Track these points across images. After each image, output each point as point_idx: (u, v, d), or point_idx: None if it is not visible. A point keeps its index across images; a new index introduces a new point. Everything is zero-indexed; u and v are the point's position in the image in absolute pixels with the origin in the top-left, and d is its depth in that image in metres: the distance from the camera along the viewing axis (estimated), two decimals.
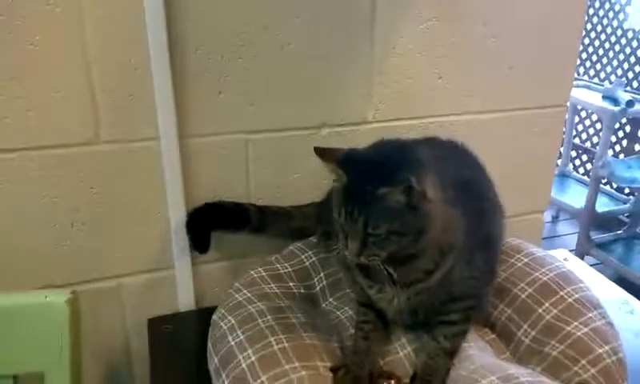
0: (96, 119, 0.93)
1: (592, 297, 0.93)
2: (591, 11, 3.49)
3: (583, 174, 3.46)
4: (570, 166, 3.53)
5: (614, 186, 3.25)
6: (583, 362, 0.80)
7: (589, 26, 3.53)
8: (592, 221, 2.90)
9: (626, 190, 3.15)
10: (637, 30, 3.20)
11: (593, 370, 0.79)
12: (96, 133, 0.94)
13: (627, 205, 3.04)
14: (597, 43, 3.49)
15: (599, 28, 3.47)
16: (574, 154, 3.61)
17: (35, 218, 0.96)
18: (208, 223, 1.01)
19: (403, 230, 0.69)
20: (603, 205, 3.02)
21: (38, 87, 0.89)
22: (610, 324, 0.89)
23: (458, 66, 1.13)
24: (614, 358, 0.81)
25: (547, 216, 3.47)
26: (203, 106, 0.98)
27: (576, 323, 0.87)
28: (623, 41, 3.30)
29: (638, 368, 0.89)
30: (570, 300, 0.92)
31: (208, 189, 1.04)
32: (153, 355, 0.94)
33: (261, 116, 1.03)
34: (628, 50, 3.27)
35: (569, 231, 3.29)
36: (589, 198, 2.87)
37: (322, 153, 0.74)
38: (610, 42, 3.40)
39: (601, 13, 3.45)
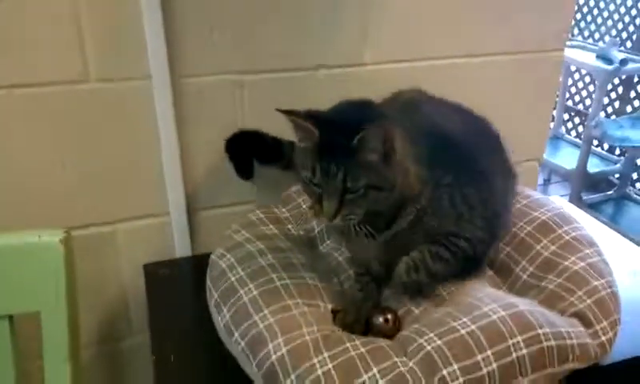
0: (84, 56, 0.90)
1: (588, 236, 0.94)
2: None
3: (576, 137, 3.47)
4: (563, 128, 3.54)
5: (606, 147, 3.28)
6: (580, 293, 0.81)
7: None
8: (583, 181, 2.93)
9: (617, 151, 3.17)
10: None
11: (589, 301, 0.80)
12: (85, 70, 0.91)
13: (618, 165, 3.07)
14: (591, 3, 3.46)
15: None
16: (566, 116, 3.62)
17: (24, 160, 0.93)
18: (246, 149, 0.98)
19: (380, 184, 0.69)
20: (594, 166, 3.05)
21: (24, 22, 0.86)
22: (605, 261, 0.90)
23: (454, 8, 1.11)
24: (609, 290, 0.82)
25: (539, 179, 3.50)
26: (196, 45, 0.96)
27: (573, 258, 0.87)
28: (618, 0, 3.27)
29: (631, 303, 0.90)
30: (567, 237, 0.92)
31: (202, 131, 1.02)
32: (150, 300, 0.94)
33: (255, 56, 1.00)
34: (622, 10, 3.25)
35: (561, 193, 3.32)
36: (581, 159, 2.89)
37: (287, 112, 0.73)
38: (604, 1, 3.37)
39: None
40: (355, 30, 1.06)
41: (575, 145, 3.24)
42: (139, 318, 1.09)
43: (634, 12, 3.17)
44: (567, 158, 3.13)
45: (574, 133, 3.60)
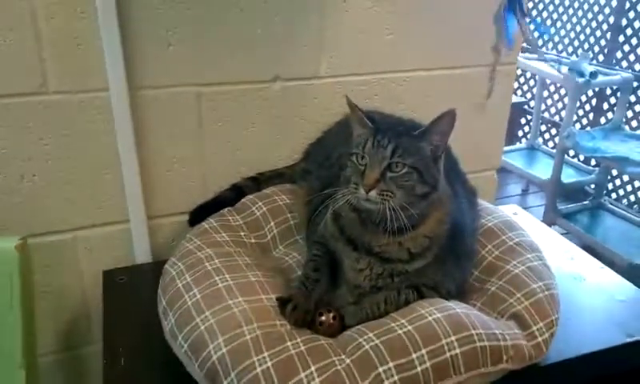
0: (43, 68, 0.93)
1: (531, 242, 0.98)
2: None
3: (552, 148, 3.53)
4: (540, 139, 3.61)
5: (581, 158, 3.34)
6: (518, 295, 0.85)
7: (557, 1, 3.59)
8: (558, 191, 2.97)
9: (592, 162, 3.23)
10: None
11: (526, 302, 0.83)
12: (44, 82, 0.94)
13: (592, 175, 3.12)
14: (564, 18, 3.55)
15: (566, 2, 3.52)
16: (543, 127, 3.69)
17: None
18: (209, 212, 1.02)
19: (424, 173, 0.75)
20: (569, 176, 3.10)
21: None
22: (546, 265, 0.93)
23: (408, 23, 1.15)
24: (547, 292, 0.86)
25: (517, 189, 3.55)
26: (153, 58, 0.99)
27: (514, 262, 0.91)
28: (589, 15, 3.35)
29: (574, 305, 0.94)
30: (510, 243, 0.96)
31: (161, 140, 1.05)
32: (106, 305, 0.95)
33: (212, 69, 1.04)
34: (594, 24, 3.33)
35: (538, 203, 3.37)
36: (555, 169, 2.94)
37: (351, 105, 0.81)
38: (577, 16, 3.46)
39: None
40: (311, 44, 1.09)
41: (551, 155, 3.29)
42: (99, 325, 1.10)
43: (605, 26, 3.26)
44: (543, 169, 3.18)
45: (550, 144, 3.67)
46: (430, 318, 0.75)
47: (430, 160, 0.78)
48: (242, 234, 0.98)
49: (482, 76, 1.26)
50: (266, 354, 0.70)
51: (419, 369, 0.70)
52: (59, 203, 1.02)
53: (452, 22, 1.19)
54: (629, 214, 2.99)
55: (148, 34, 0.97)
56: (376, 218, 0.77)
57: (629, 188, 3.19)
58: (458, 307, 0.78)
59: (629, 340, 0.87)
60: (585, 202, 3.08)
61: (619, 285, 1.03)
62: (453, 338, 0.73)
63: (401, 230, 0.77)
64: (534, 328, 0.81)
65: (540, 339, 0.80)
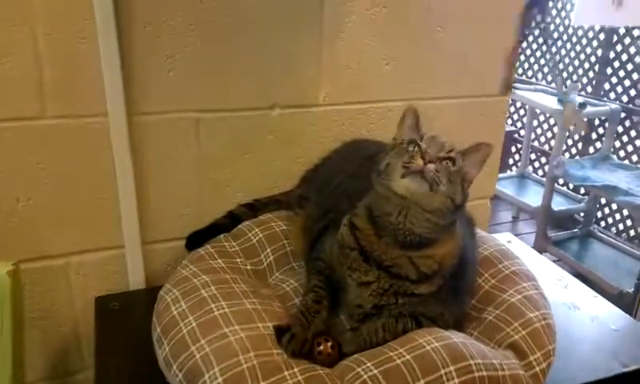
0: (41, 93, 0.93)
1: (527, 271, 0.98)
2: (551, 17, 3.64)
3: (542, 176, 3.58)
4: (530, 168, 3.66)
5: (571, 186, 3.38)
6: (515, 324, 0.84)
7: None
8: (549, 219, 3.00)
9: (582, 190, 3.28)
10: (585, 27, 3.35)
11: (523, 332, 0.83)
12: (42, 107, 0.94)
13: (582, 204, 3.16)
14: (553, 49, 3.64)
15: (555, 35, 3.62)
16: (533, 156, 3.74)
17: None
18: (205, 239, 1.02)
19: (465, 183, 0.77)
20: (559, 204, 3.14)
21: None
22: (542, 295, 0.94)
23: (405, 53, 1.17)
24: (543, 322, 0.86)
25: (508, 216, 3.58)
26: (153, 84, 0.99)
27: (511, 291, 0.91)
28: (578, 47, 3.44)
29: (568, 334, 0.94)
30: (506, 272, 0.96)
31: (158, 167, 1.04)
32: (98, 332, 0.94)
33: (211, 95, 1.04)
34: (582, 57, 3.42)
35: (528, 231, 3.40)
36: (545, 197, 2.98)
37: (411, 109, 0.84)
38: (565, 48, 3.55)
39: (557, 20, 3.60)
40: (310, 72, 1.11)
41: (541, 183, 3.34)
42: (91, 352, 1.08)
43: (593, 59, 3.34)
44: (534, 197, 3.22)
45: (540, 172, 3.72)
46: (428, 348, 0.74)
47: (465, 181, 0.79)
48: (239, 260, 0.97)
49: (477, 105, 1.28)
50: None
51: None
52: (53, 228, 1.01)
53: (449, 52, 1.21)
54: (618, 242, 3.03)
55: (148, 60, 0.98)
56: (396, 221, 0.77)
57: (617, 216, 3.23)
58: (455, 337, 0.78)
59: (624, 370, 0.87)
60: (574, 230, 3.11)
61: (613, 314, 1.03)
62: (451, 368, 0.72)
63: (414, 245, 0.78)
64: (532, 358, 0.81)
65: (537, 369, 0.80)
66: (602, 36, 3.27)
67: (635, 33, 3.05)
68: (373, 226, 0.80)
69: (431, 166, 0.74)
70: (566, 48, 3.53)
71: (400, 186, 0.75)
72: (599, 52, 3.30)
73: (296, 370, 0.72)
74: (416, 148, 0.77)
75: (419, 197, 0.75)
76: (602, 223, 3.31)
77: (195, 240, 1.02)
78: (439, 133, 0.80)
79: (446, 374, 0.72)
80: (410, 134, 0.81)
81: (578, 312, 1.03)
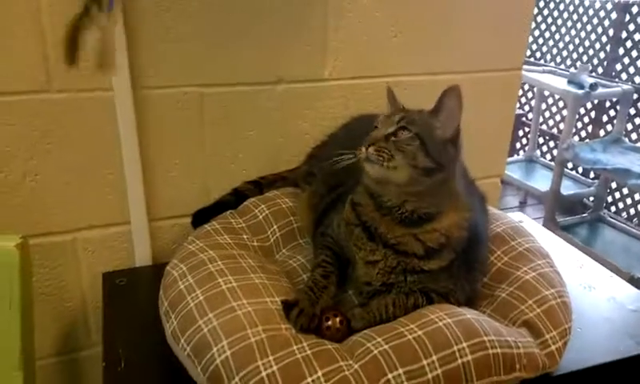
0: (47, 66, 0.91)
1: (541, 248, 0.96)
2: None
3: (550, 160, 3.54)
4: (538, 151, 3.61)
5: (580, 170, 3.34)
6: (530, 301, 0.83)
7: (555, 13, 3.61)
8: (557, 204, 2.97)
9: (591, 175, 3.23)
10: (597, 5, 3.28)
11: (538, 310, 0.81)
12: (47, 80, 0.92)
13: (591, 188, 3.12)
14: (563, 30, 3.57)
15: (565, 15, 3.55)
16: (541, 140, 3.69)
17: None
18: (210, 216, 1.01)
19: (428, 144, 0.75)
20: (568, 188, 3.10)
21: None
22: (557, 272, 0.92)
23: (413, 26, 1.14)
24: (559, 300, 0.84)
25: (515, 201, 3.54)
26: (157, 58, 0.97)
27: (525, 268, 0.89)
28: (589, 27, 3.38)
29: (584, 314, 0.92)
30: (520, 249, 0.94)
31: (163, 142, 1.03)
32: (106, 308, 0.93)
33: (216, 70, 1.02)
34: (593, 37, 3.35)
35: (536, 216, 3.37)
36: (554, 181, 2.94)
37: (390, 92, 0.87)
38: (575, 28, 3.48)
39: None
40: (316, 46, 1.08)
41: (550, 168, 3.30)
42: (99, 328, 1.07)
43: (604, 39, 3.28)
44: (542, 181, 3.18)
45: (548, 156, 3.67)
46: (440, 324, 0.73)
47: (440, 140, 0.77)
48: (245, 236, 0.95)
49: (488, 80, 1.25)
50: (271, 358, 0.67)
51: (430, 376, 0.68)
52: (60, 203, 1.00)
53: (458, 26, 1.18)
54: (628, 227, 2.99)
55: (152, 33, 0.96)
56: (387, 199, 0.77)
57: (628, 201, 3.19)
58: (469, 313, 0.76)
59: None
60: (584, 215, 3.08)
61: (630, 294, 1.01)
62: (464, 345, 0.71)
63: (414, 221, 0.77)
64: (547, 336, 0.79)
65: (553, 348, 0.78)
66: (613, 15, 3.20)
67: None
68: (373, 202, 0.80)
69: (370, 150, 0.75)
70: (576, 28, 3.46)
71: (366, 172, 0.78)
72: (611, 32, 3.23)
73: (305, 344, 0.70)
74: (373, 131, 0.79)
75: (381, 177, 0.77)
76: (612, 208, 3.27)
77: (201, 217, 1.01)
78: (422, 105, 0.81)
79: (459, 350, 0.70)
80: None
81: (593, 292, 1.01)
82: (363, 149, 0.76)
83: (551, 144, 3.68)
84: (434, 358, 0.69)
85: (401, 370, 0.68)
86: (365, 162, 0.76)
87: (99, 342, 1.07)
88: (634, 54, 3.10)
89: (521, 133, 3.82)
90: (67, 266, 1.03)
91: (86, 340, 1.09)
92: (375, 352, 0.69)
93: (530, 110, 3.73)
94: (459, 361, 0.70)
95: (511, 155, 3.64)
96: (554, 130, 3.65)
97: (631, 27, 3.11)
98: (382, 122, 0.80)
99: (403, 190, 0.76)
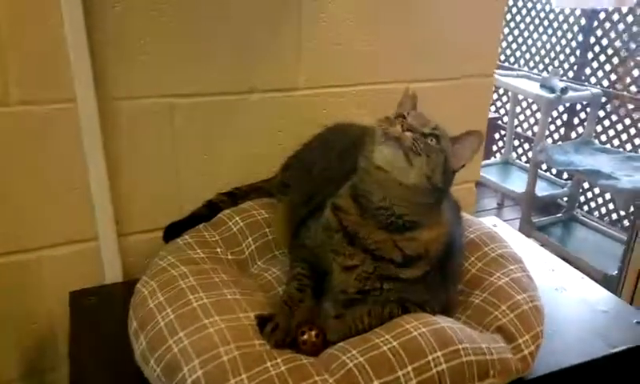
0: (5, 78, 0.88)
1: (514, 253, 0.97)
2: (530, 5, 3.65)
3: (526, 162, 3.60)
4: (514, 154, 3.67)
5: (553, 171, 3.40)
6: (503, 307, 0.83)
7: (528, 20, 3.69)
8: (533, 204, 3.02)
9: (565, 176, 3.30)
10: (566, 12, 3.36)
11: (511, 315, 0.82)
12: (5, 92, 0.89)
13: (565, 189, 3.18)
14: (535, 35, 3.64)
15: (537, 21, 3.62)
16: (516, 142, 3.76)
17: None
18: (183, 229, 0.99)
19: (446, 165, 0.75)
20: (543, 189, 3.15)
21: None
22: (529, 277, 0.92)
23: (386, 35, 1.14)
24: (530, 304, 0.84)
25: (492, 203, 3.59)
26: (124, 67, 0.95)
27: (498, 274, 0.90)
28: (559, 32, 3.45)
29: (556, 316, 0.93)
30: (493, 255, 0.95)
31: (132, 156, 1.00)
32: (73, 328, 0.90)
33: (187, 79, 1.00)
34: (564, 42, 3.43)
35: (512, 216, 3.41)
36: (529, 182, 2.99)
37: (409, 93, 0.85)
38: (546, 33, 3.56)
39: (539, 5, 3.60)
40: (289, 55, 1.08)
41: (525, 170, 3.35)
42: (67, 348, 1.04)
43: (574, 44, 3.35)
44: (518, 183, 3.23)
45: (524, 158, 3.73)
46: (415, 333, 0.72)
47: (451, 165, 0.78)
48: (219, 250, 0.94)
49: (461, 87, 1.26)
50: (244, 376, 0.66)
51: None
52: (24, 220, 0.96)
53: (430, 34, 1.19)
54: (601, 226, 3.06)
55: (118, 43, 0.94)
56: (377, 199, 0.76)
57: (600, 200, 3.26)
58: (443, 321, 0.76)
59: (612, 351, 0.86)
60: (558, 215, 3.13)
61: (600, 295, 1.03)
62: (439, 354, 0.71)
63: (398, 227, 0.76)
64: (520, 341, 0.79)
65: (526, 352, 0.79)
66: (582, 21, 3.28)
67: (615, 17, 3.06)
68: (357, 205, 0.79)
69: (408, 134, 0.73)
70: (547, 33, 3.54)
71: (379, 155, 0.74)
72: (580, 37, 3.31)
73: (279, 360, 0.69)
74: (401, 119, 0.76)
75: (395, 166, 0.73)
76: (585, 207, 3.34)
77: (173, 231, 0.99)
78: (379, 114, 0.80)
79: (433, 359, 0.70)
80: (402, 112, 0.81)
81: (565, 294, 1.02)
82: (398, 127, 0.73)
83: (526, 146, 3.74)
84: (409, 368, 0.69)
85: (376, 382, 0.67)
86: (388, 141, 0.73)
87: (67, 363, 1.04)
88: (602, 58, 3.18)
89: (497, 136, 3.88)
90: (31, 286, 1.00)
91: (54, 361, 1.06)
92: (350, 365, 0.69)
93: (506, 114, 3.79)
94: (434, 370, 0.70)
95: (488, 158, 3.68)
96: (529, 133, 3.71)
97: (599, 33, 3.19)
98: (414, 117, 0.77)
99: (400, 192, 0.75)
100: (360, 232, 0.78)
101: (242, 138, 1.08)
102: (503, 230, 1.21)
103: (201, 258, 0.89)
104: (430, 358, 0.70)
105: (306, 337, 0.75)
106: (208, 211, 1.03)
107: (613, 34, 3.10)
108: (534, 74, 3.37)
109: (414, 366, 0.69)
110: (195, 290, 0.78)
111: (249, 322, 0.74)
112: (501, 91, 3.83)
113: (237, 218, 0.99)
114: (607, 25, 3.12)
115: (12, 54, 0.88)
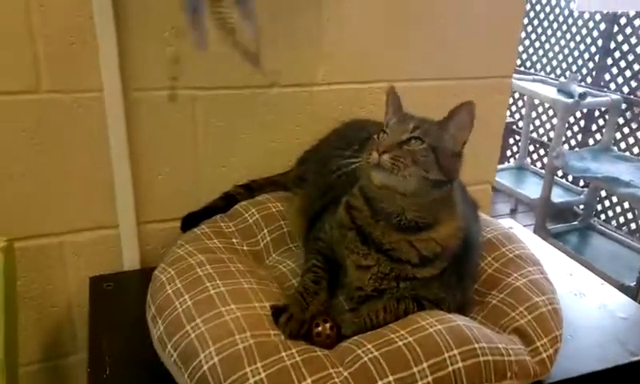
0: (37, 67, 0.90)
1: (532, 255, 0.96)
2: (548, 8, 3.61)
3: (541, 168, 3.56)
4: (528, 159, 3.63)
5: (570, 178, 3.36)
6: (521, 308, 0.82)
7: (545, 24, 3.65)
8: (548, 211, 2.98)
9: (581, 183, 3.25)
10: (586, 16, 3.32)
11: (529, 316, 0.81)
12: (37, 81, 0.91)
13: (581, 196, 3.14)
14: (552, 40, 3.60)
15: (555, 25, 3.58)
16: (531, 148, 3.72)
17: None
18: (200, 220, 1.00)
19: (440, 156, 0.74)
20: (559, 196, 3.12)
21: None
22: (547, 279, 0.91)
23: (405, 33, 1.14)
24: (549, 307, 0.83)
25: (506, 209, 3.56)
26: (150, 59, 0.96)
27: (516, 275, 0.89)
28: (578, 37, 3.41)
29: (574, 321, 0.92)
30: (510, 255, 0.94)
31: (153, 145, 1.01)
32: (92, 313, 0.91)
33: (209, 72, 1.01)
34: (582, 47, 3.39)
35: (526, 223, 3.38)
36: (544, 188, 2.95)
37: (390, 90, 0.84)
38: (565, 38, 3.51)
39: (557, 9, 3.56)
40: (309, 50, 1.08)
41: (540, 175, 3.31)
42: (85, 333, 1.05)
43: (593, 49, 3.31)
44: (532, 188, 3.19)
45: (539, 164, 3.70)
46: (431, 330, 0.72)
47: (449, 152, 0.76)
48: (235, 240, 0.94)
49: (479, 87, 1.25)
50: (259, 365, 0.66)
51: (420, 383, 0.67)
52: (47, 206, 0.98)
53: (450, 33, 1.18)
54: (618, 235, 3.01)
55: (145, 34, 0.95)
56: (386, 206, 0.76)
57: (618, 209, 3.21)
58: (459, 320, 0.75)
59: (633, 359, 0.85)
60: (574, 223, 3.09)
61: (620, 301, 1.01)
62: (455, 352, 0.70)
63: (411, 228, 0.76)
64: (538, 344, 0.78)
65: (544, 355, 0.78)
66: (602, 26, 3.24)
67: (636, 23, 3.02)
68: (369, 207, 0.79)
69: (385, 157, 0.73)
70: (565, 38, 3.50)
71: (375, 178, 0.75)
72: (600, 42, 3.26)
73: (294, 350, 0.69)
74: (382, 135, 0.77)
75: (389, 185, 0.74)
76: (602, 216, 3.29)
77: (190, 221, 1.00)
78: (412, 110, 0.80)
79: (450, 357, 0.70)
80: (390, 116, 0.81)
81: (584, 299, 1.01)
82: (375, 154, 0.73)
83: (542, 152, 3.70)
84: (425, 365, 0.68)
85: (391, 378, 0.67)
86: (374, 167, 0.74)
87: (85, 347, 1.06)
88: (622, 64, 3.13)
89: (512, 141, 3.85)
90: (53, 270, 1.01)
91: (72, 346, 1.07)
92: (365, 359, 0.68)
93: (521, 119, 3.75)
94: (450, 368, 0.69)
95: (502, 163, 3.65)
96: (544, 138, 3.67)
97: (619, 38, 3.14)
98: (392, 128, 0.77)
99: (407, 200, 0.75)
100: (374, 232, 0.78)
101: (261, 132, 1.09)
102: (520, 232, 1.20)
103: (217, 248, 0.90)
104: (446, 355, 0.70)
105: (320, 329, 0.75)
106: (225, 203, 1.04)
107: (634, 40, 3.05)
108: (550, 78, 3.33)
109: (429, 362, 0.69)
110: (212, 277, 0.79)
111: (264, 312, 0.74)
112: (516, 96, 3.79)
113: (253, 210, 0.99)
114: (628, 30, 3.07)
115: (43, 43, 0.89)
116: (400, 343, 0.70)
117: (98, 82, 0.93)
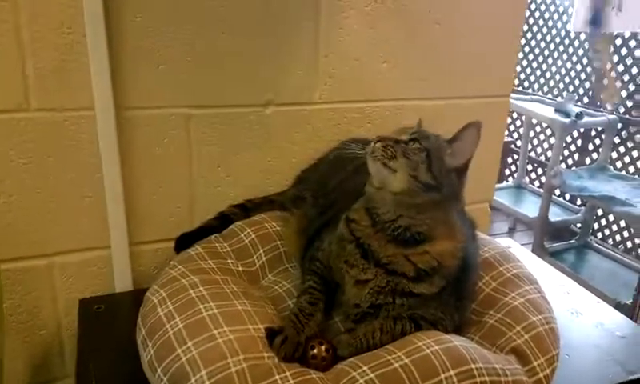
0: (25, 84, 0.89)
1: (529, 274, 0.95)
2: (545, 28, 3.66)
3: (539, 187, 3.56)
4: (526, 178, 3.64)
5: (567, 197, 3.36)
6: (518, 328, 0.81)
7: (542, 44, 3.69)
8: (545, 230, 2.97)
9: (578, 201, 3.25)
10: (582, 37, 3.35)
11: (526, 336, 0.80)
12: (26, 99, 0.90)
13: (578, 215, 3.14)
14: (550, 61, 3.64)
15: (552, 46, 3.62)
16: (529, 167, 3.73)
17: None
18: (194, 240, 0.99)
19: (433, 161, 0.76)
20: (556, 215, 3.11)
21: None
22: (544, 298, 0.91)
23: (402, 51, 1.15)
24: (546, 326, 0.82)
25: (504, 227, 3.55)
26: (142, 77, 0.96)
27: (513, 294, 0.88)
28: (574, 58, 3.45)
29: (572, 341, 0.91)
30: (508, 275, 0.93)
31: (147, 165, 1.01)
32: (81, 336, 0.89)
33: (204, 91, 1.01)
34: (579, 67, 3.42)
35: (524, 242, 3.36)
36: (542, 207, 2.95)
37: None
38: (562, 58, 3.55)
39: (554, 30, 3.61)
40: (306, 69, 1.08)
41: (538, 194, 3.31)
42: (74, 357, 1.03)
43: (589, 69, 3.34)
44: (530, 207, 3.19)
45: (537, 183, 3.70)
46: (427, 351, 0.71)
47: (447, 165, 0.78)
48: (230, 261, 0.93)
49: (478, 107, 1.25)
50: None
51: None
52: (36, 226, 0.97)
53: (446, 51, 1.19)
54: (615, 254, 3.00)
55: (137, 53, 0.95)
56: (382, 211, 0.77)
57: (614, 227, 3.20)
58: (456, 340, 0.74)
59: (630, 377, 0.84)
60: (571, 241, 3.08)
61: (617, 320, 1.00)
62: (452, 373, 0.69)
63: (407, 241, 0.76)
64: (535, 363, 0.77)
65: (541, 375, 0.77)
66: None
67: (632, 43, 3.05)
68: (369, 218, 0.79)
69: (378, 145, 0.76)
70: (562, 58, 3.53)
71: (369, 169, 0.78)
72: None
73: (288, 373, 0.68)
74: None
75: (381, 178, 0.77)
76: (599, 234, 3.28)
77: (184, 242, 0.99)
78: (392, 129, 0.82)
79: (446, 378, 0.68)
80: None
81: (581, 318, 1.00)
82: (371, 144, 0.77)
83: (539, 171, 3.71)
84: None
85: None
86: (369, 156, 0.77)
87: (73, 372, 1.03)
88: (618, 84, 3.16)
89: (510, 160, 3.86)
90: (41, 292, 1.00)
91: (60, 370, 1.05)
92: (361, 381, 0.67)
93: (519, 138, 3.76)
94: None
95: (500, 182, 3.65)
96: (542, 158, 3.68)
97: (615, 59, 3.17)
98: (397, 131, 0.80)
99: (398, 200, 0.76)
100: (372, 245, 0.78)
101: (257, 151, 1.08)
102: (517, 251, 1.19)
103: (211, 269, 0.89)
104: (442, 376, 0.68)
105: (315, 351, 0.74)
106: (219, 223, 1.03)
107: (629, 61, 3.08)
108: (547, 98, 3.35)
109: None
110: (205, 299, 0.77)
111: (258, 334, 0.73)
112: (514, 115, 3.81)
113: (248, 230, 0.98)
114: (624, 51, 3.11)
115: (33, 61, 0.89)
116: (396, 365, 0.69)
117: (89, 100, 0.92)
